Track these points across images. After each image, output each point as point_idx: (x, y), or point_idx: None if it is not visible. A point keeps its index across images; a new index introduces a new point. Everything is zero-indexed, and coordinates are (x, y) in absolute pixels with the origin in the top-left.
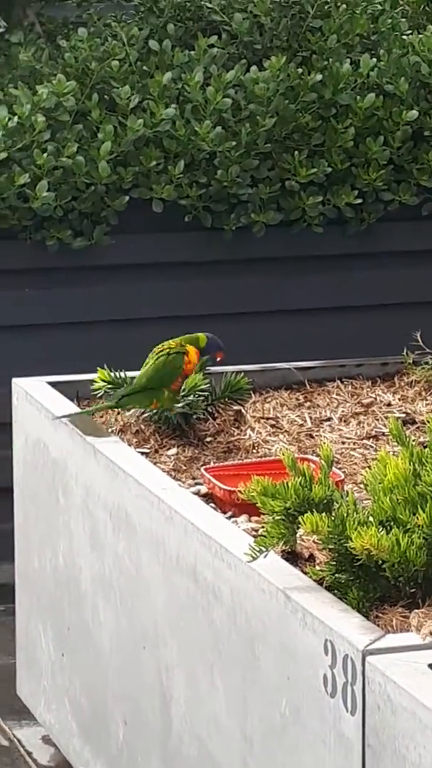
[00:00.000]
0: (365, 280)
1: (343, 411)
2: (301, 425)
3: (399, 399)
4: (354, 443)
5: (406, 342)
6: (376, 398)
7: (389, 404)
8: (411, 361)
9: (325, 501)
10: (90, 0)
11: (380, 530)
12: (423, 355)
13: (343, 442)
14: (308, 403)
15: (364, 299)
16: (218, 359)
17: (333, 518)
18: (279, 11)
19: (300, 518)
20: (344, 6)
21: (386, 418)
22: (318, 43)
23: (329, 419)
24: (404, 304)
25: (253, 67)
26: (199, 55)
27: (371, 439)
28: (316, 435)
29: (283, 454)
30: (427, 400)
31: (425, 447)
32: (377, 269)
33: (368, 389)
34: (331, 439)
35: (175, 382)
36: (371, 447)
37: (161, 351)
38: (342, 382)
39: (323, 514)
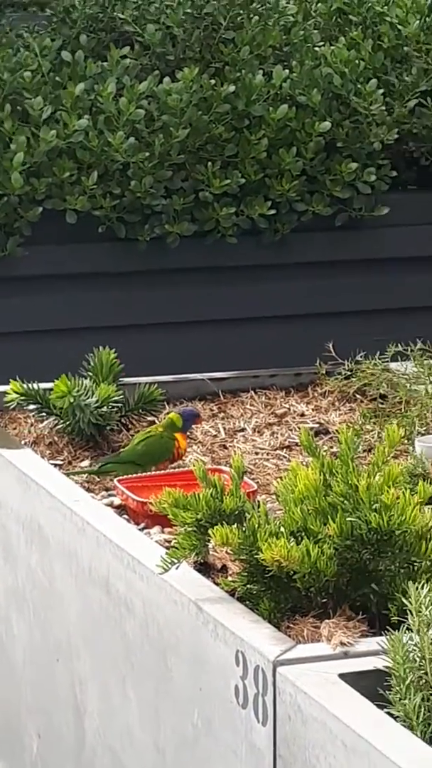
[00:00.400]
0: (279, 290)
1: (256, 421)
2: (215, 436)
3: (312, 409)
4: (267, 454)
5: (319, 352)
6: (289, 408)
7: (303, 414)
8: (324, 372)
9: (237, 512)
10: (2, 10)
11: (291, 541)
12: (336, 366)
13: (257, 453)
14: (222, 414)
15: (277, 310)
16: (199, 423)
17: (244, 530)
18: (191, 22)
19: (210, 530)
20: (257, 18)
21: (300, 428)
22: (231, 54)
23: (243, 430)
24: (318, 314)
25: (166, 78)
26: (112, 66)
27: (285, 450)
28: (230, 446)
29: (195, 466)
30: (340, 410)
31: (336, 457)
32: (291, 280)
33: (282, 400)
34: (244, 450)
35: (163, 464)
36: (285, 457)
37: (149, 433)
38: (256, 392)
39: (234, 525)
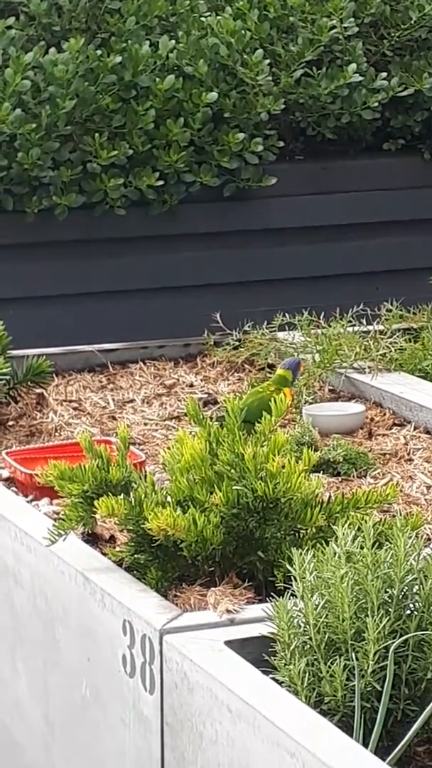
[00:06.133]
0: (168, 261)
1: (145, 392)
2: (104, 407)
3: (201, 380)
4: (157, 424)
5: (207, 323)
6: (178, 379)
7: (191, 385)
8: (212, 342)
9: (123, 483)
10: None
11: (177, 510)
12: (224, 336)
13: (146, 424)
14: (111, 386)
15: (166, 281)
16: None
17: (130, 500)
18: None
19: (96, 502)
20: None
21: (188, 398)
22: (117, 24)
23: (132, 401)
24: (206, 285)
25: (52, 49)
26: None
27: (174, 420)
28: (119, 417)
29: (81, 437)
30: (228, 380)
31: (222, 426)
32: (179, 251)
33: (171, 370)
34: (133, 421)
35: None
36: (174, 428)
37: (262, 391)
38: (145, 363)
39: (121, 496)
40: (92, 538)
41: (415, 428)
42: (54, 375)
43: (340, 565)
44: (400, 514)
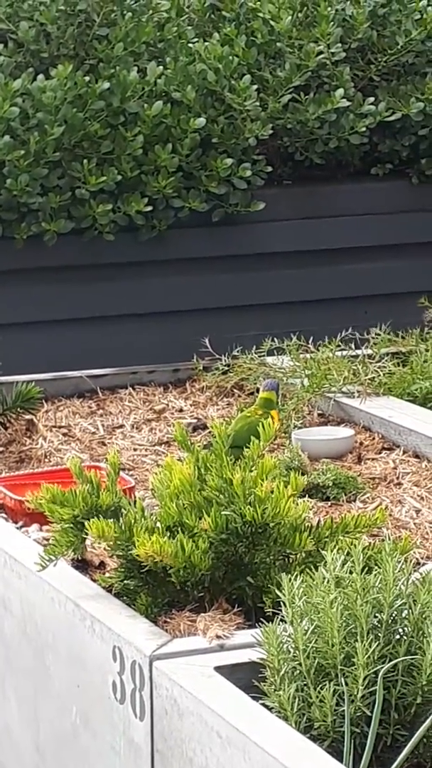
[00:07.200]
0: (157, 286)
1: (135, 418)
2: (94, 433)
3: (191, 405)
4: (146, 450)
5: (196, 348)
6: (168, 404)
7: (181, 410)
8: (201, 367)
9: (113, 508)
10: None
11: (167, 536)
12: (213, 361)
13: (135, 449)
14: (101, 411)
15: (155, 306)
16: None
17: (120, 525)
18: (65, 19)
19: (87, 524)
20: (130, 14)
21: (176, 424)
22: (105, 51)
23: (122, 426)
24: (195, 310)
25: (40, 76)
26: None
27: (163, 445)
28: (109, 442)
29: (70, 462)
30: (218, 405)
31: (211, 452)
32: (169, 276)
33: (160, 396)
34: (123, 446)
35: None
36: (163, 453)
37: (250, 415)
38: (134, 389)
39: (111, 520)
40: (82, 565)
41: (404, 452)
42: (43, 401)
43: (329, 590)
44: (390, 539)
